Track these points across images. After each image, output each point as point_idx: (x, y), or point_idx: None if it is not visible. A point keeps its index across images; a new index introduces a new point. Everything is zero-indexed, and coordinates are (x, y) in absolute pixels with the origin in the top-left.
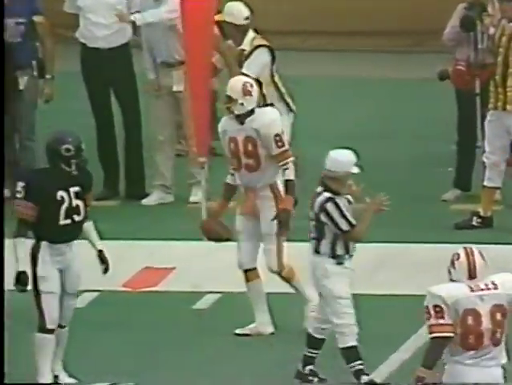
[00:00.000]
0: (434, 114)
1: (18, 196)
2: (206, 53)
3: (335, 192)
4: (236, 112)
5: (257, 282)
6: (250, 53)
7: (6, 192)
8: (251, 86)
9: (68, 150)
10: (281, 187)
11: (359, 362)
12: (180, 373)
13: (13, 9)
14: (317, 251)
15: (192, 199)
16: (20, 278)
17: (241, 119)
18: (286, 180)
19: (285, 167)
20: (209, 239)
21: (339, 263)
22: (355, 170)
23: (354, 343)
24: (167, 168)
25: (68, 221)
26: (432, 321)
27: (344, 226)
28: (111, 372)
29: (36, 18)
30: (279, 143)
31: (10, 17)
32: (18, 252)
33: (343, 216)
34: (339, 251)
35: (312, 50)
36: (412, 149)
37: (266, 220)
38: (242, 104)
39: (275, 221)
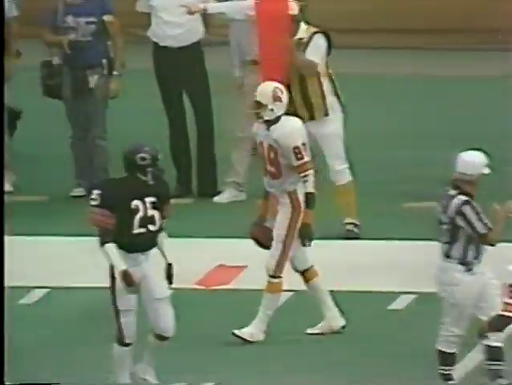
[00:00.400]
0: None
1: (94, 203)
2: (280, 48)
3: (470, 194)
4: (266, 118)
5: (316, 280)
6: (309, 40)
7: (82, 191)
8: (281, 92)
9: (143, 159)
10: (301, 197)
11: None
12: (255, 369)
13: (84, 8)
14: (447, 255)
15: None
16: (124, 277)
17: (268, 125)
18: (307, 193)
19: (305, 179)
20: (261, 245)
21: (469, 270)
22: (487, 171)
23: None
24: (242, 165)
25: (142, 230)
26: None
27: (482, 229)
28: (190, 371)
29: (107, 18)
30: (298, 156)
31: (81, 16)
32: (111, 257)
33: (480, 220)
34: (470, 256)
35: (378, 47)
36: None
37: (278, 225)
38: (272, 110)
39: (285, 229)
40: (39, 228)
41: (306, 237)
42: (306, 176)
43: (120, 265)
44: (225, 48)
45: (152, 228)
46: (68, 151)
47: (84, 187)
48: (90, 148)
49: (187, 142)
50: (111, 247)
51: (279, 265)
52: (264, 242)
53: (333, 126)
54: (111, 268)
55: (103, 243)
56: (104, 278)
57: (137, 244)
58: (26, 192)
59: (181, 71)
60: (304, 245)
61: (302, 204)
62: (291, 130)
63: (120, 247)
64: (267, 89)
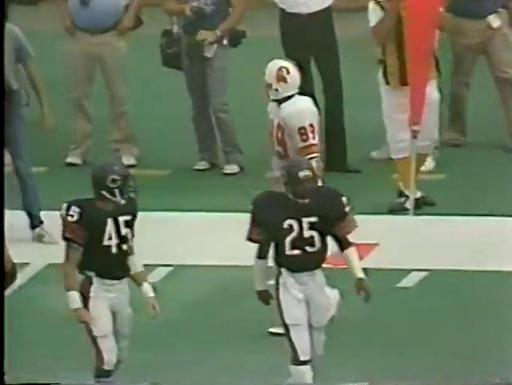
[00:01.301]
0: None
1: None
2: (431, 44)
3: None
4: (272, 97)
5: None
6: None
7: (205, 165)
8: (287, 72)
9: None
10: None
11: None
12: (388, 353)
13: None
14: None
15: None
16: (262, 296)
17: (279, 103)
18: None
19: (309, 157)
20: None
21: None
22: None
23: None
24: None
25: (297, 252)
26: None
27: None
28: None
29: None
30: (303, 137)
31: None
32: (256, 273)
33: None
34: None
35: None
36: None
37: None
38: (277, 90)
39: None
40: (162, 203)
41: None
42: (310, 158)
43: (260, 286)
44: (354, 15)
45: (309, 249)
46: (191, 124)
47: (208, 160)
48: (211, 121)
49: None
50: (263, 263)
51: None
52: None
53: None
54: (277, 280)
55: (259, 257)
56: (230, 256)
57: (298, 264)
58: (150, 166)
59: (310, 38)
60: None
61: None
62: (299, 109)
63: (284, 266)
64: (272, 68)
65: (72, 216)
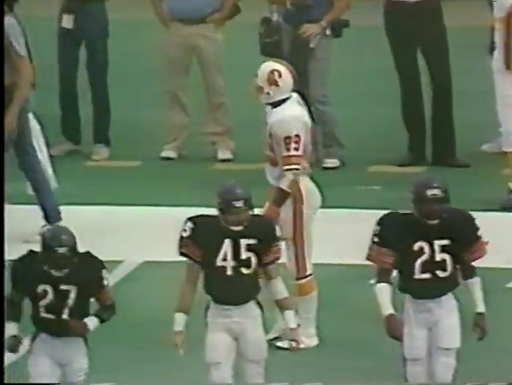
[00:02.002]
0: None
1: (375, 240)
2: None
3: None
4: (263, 101)
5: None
6: None
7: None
8: (279, 75)
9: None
10: (303, 188)
11: None
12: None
13: None
14: None
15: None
16: (390, 323)
17: (271, 107)
18: (278, 188)
19: (285, 173)
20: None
21: None
22: None
23: None
24: None
25: (427, 276)
26: None
27: None
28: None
29: None
30: (288, 146)
31: None
32: (381, 298)
33: None
34: None
35: None
36: None
37: (283, 222)
38: (268, 94)
39: (291, 225)
40: (260, 198)
41: None
42: (288, 170)
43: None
44: (464, 3)
45: (441, 274)
46: None
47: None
48: (310, 113)
49: (421, 104)
50: (385, 288)
51: (301, 265)
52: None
53: None
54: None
55: (378, 281)
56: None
57: (424, 289)
58: (245, 160)
59: (417, 27)
60: None
61: (305, 195)
62: (287, 118)
63: (408, 292)
64: (264, 71)
65: (185, 230)
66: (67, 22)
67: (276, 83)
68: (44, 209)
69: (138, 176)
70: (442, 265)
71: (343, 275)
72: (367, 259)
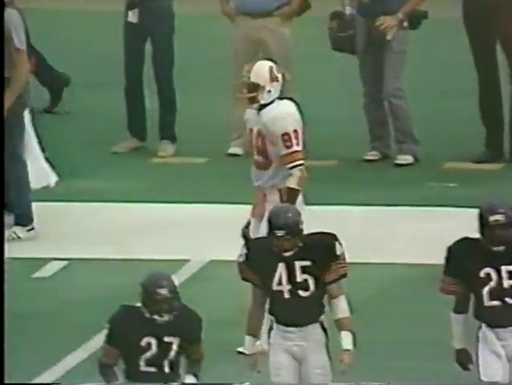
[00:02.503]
0: None
1: (444, 270)
2: None
3: None
4: (262, 102)
5: None
6: None
7: (376, 155)
8: (278, 70)
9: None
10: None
11: None
12: None
13: None
14: None
15: None
16: (460, 357)
17: (260, 109)
18: (288, 188)
19: (290, 171)
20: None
21: None
22: None
23: None
24: None
25: (496, 303)
26: None
27: None
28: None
29: None
30: (287, 143)
31: None
32: (455, 329)
33: None
34: None
35: None
36: None
37: None
38: (270, 92)
39: None
40: (328, 196)
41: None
42: (293, 167)
43: (459, 344)
44: None
45: None
46: (359, 113)
47: (379, 150)
48: (384, 109)
49: (499, 99)
50: (462, 318)
51: None
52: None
53: None
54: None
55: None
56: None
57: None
58: (318, 157)
59: (497, 20)
60: None
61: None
62: (283, 114)
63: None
64: (263, 68)
65: (241, 255)
66: (132, 16)
67: (277, 79)
68: (17, 210)
69: (204, 173)
70: (511, 292)
71: (414, 275)
72: (440, 291)
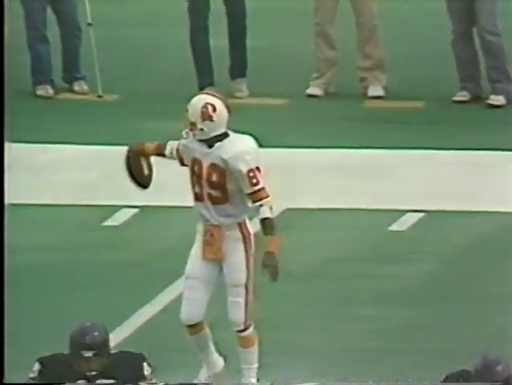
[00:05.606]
0: None
1: None
2: None
3: None
4: (197, 137)
5: (204, 332)
6: None
7: (465, 95)
8: (213, 109)
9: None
10: (248, 222)
11: None
12: None
13: None
14: None
15: None
16: None
17: (208, 142)
18: (263, 219)
19: (262, 208)
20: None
21: None
22: None
23: None
24: None
25: None
26: None
27: None
28: None
29: None
30: (253, 180)
31: None
32: None
33: None
34: None
35: None
36: None
37: (234, 267)
38: (202, 130)
39: (244, 269)
40: (417, 140)
41: (271, 269)
42: (262, 205)
43: None
44: None
45: None
46: (447, 49)
47: (469, 91)
48: (474, 46)
49: None
50: None
51: (248, 315)
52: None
53: None
54: None
55: None
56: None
57: None
58: (403, 98)
59: None
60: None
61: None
62: (246, 150)
63: None
64: (196, 106)
65: (33, 372)
66: None
67: (211, 118)
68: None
69: (282, 115)
70: None
71: None
72: None
